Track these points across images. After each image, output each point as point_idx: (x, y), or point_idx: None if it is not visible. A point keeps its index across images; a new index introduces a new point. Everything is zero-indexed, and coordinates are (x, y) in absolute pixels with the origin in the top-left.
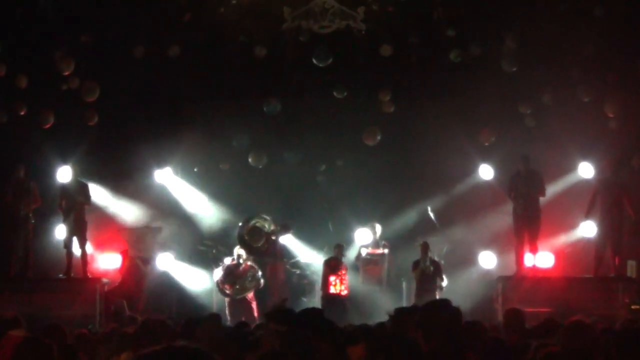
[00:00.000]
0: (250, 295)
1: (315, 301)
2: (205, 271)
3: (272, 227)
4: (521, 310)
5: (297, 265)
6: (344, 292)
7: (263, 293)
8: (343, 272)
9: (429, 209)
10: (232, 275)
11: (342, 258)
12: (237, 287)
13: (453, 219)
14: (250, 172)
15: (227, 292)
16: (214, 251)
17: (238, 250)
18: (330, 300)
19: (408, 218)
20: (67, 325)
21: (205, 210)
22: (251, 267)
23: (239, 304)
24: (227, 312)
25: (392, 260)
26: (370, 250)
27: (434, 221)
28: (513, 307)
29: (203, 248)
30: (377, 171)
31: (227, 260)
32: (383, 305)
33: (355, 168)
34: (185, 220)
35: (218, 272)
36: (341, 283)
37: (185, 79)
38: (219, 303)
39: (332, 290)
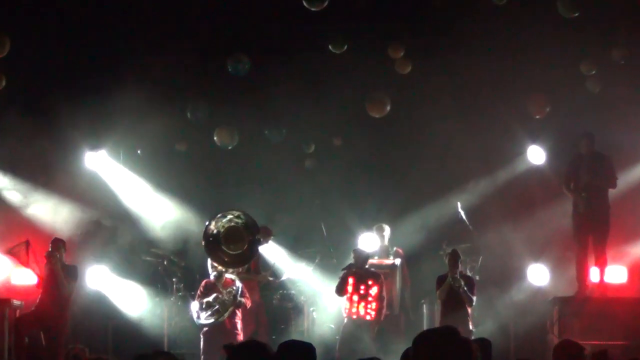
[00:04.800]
0: (232, 321)
1: (302, 331)
2: (151, 290)
3: (245, 218)
4: (578, 345)
5: (279, 282)
6: (366, 314)
7: None
8: (365, 287)
9: (459, 205)
10: (208, 295)
11: (364, 265)
12: (212, 309)
13: (491, 220)
14: (215, 154)
15: (202, 321)
16: (164, 262)
17: (212, 261)
18: (348, 324)
19: (430, 218)
20: None
21: (152, 206)
22: (232, 281)
23: (218, 334)
24: (201, 344)
25: (408, 273)
26: (377, 260)
27: (466, 222)
28: (568, 339)
29: (150, 258)
30: (386, 154)
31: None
32: (396, 334)
33: (358, 149)
34: (125, 221)
35: (195, 300)
36: (364, 303)
37: (125, 29)
38: (172, 335)
39: (347, 313)
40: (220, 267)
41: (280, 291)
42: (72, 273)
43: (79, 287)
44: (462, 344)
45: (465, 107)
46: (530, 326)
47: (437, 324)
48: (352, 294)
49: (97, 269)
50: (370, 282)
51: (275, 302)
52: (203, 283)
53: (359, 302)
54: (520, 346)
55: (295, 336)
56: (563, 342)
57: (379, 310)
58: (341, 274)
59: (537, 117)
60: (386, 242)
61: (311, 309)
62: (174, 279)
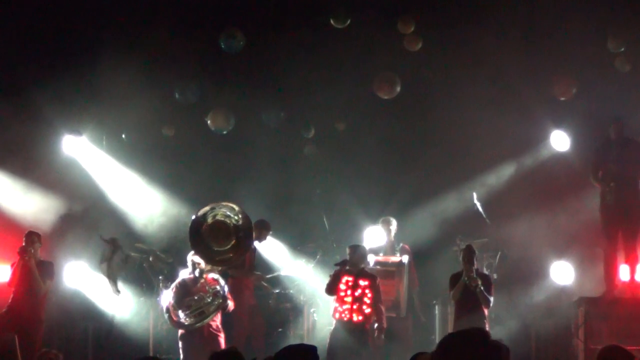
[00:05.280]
0: (215, 323)
1: (301, 334)
2: (136, 289)
3: (241, 221)
4: (625, 350)
5: (275, 281)
6: (358, 318)
7: (223, 323)
8: (359, 289)
9: (475, 196)
10: (188, 294)
11: (359, 264)
12: (194, 311)
13: (511, 212)
14: (207, 140)
15: (182, 321)
16: (150, 259)
17: (192, 257)
18: (338, 330)
19: (443, 210)
20: None
21: (137, 196)
22: (215, 280)
23: (198, 338)
24: (180, 351)
25: (415, 272)
26: (382, 257)
27: (482, 214)
28: (612, 344)
29: (134, 254)
30: (394, 139)
31: (184, 274)
32: (403, 339)
33: (363, 134)
34: (107, 213)
35: (168, 295)
36: (357, 306)
37: (108, 2)
38: (159, 338)
39: (337, 315)
40: (202, 264)
41: (277, 290)
42: (47, 270)
43: (55, 286)
44: (494, 350)
45: (482, 89)
46: (553, 330)
47: (450, 327)
48: (344, 294)
49: (75, 265)
50: (364, 283)
51: (271, 302)
52: (180, 280)
53: (351, 305)
54: (542, 352)
55: (293, 340)
56: (609, 348)
57: (375, 314)
58: (333, 270)
59: (562, 99)
60: (392, 237)
61: (312, 310)
62: (160, 277)
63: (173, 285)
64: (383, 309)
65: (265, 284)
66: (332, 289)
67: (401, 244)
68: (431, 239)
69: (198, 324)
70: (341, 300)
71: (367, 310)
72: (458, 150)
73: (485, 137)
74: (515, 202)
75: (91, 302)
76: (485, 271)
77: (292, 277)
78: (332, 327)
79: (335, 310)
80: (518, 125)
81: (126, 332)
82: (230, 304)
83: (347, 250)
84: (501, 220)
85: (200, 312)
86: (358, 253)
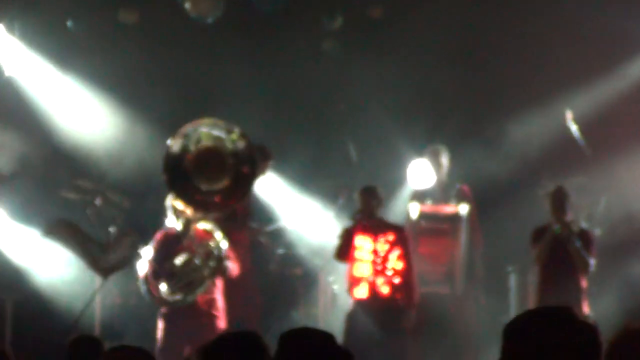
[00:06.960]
0: (209, 297)
1: (315, 313)
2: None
3: (241, 141)
4: None
5: (279, 236)
6: (384, 291)
7: None
8: (385, 244)
9: (569, 116)
10: (170, 256)
11: (376, 214)
12: (180, 280)
13: (620, 140)
14: (183, 30)
15: (165, 297)
16: (96, 202)
17: (173, 201)
18: (357, 312)
19: (519, 137)
20: None
21: (79, 111)
22: (207, 233)
23: (188, 320)
24: (158, 332)
25: (479, 227)
26: (429, 206)
27: (579, 143)
28: None
29: (73, 196)
30: (453, 34)
31: (168, 224)
32: (459, 324)
33: (408, 26)
34: (33, 134)
35: (147, 255)
36: (380, 275)
37: None
38: (108, 316)
39: (353, 292)
40: (187, 211)
41: (281, 251)
42: None
43: None
44: (584, 333)
45: None
46: None
47: (531, 304)
48: (360, 259)
49: None
50: (388, 239)
51: (273, 267)
52: (160, 236)
53: (373, 273)
54: None
55: (305, 322)
56: None
57: (405, 286)
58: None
59: None
60: (444, 175)
61: (330, 278)
62: (111, 229)
63: (153, 241)
64: (414, 274)
65: (263, 239)
66: (342, 252)
67: (457, 186)
68: (503, 179)
69: (191, 297)
70: (357, 269)
71: (397, 279)
72: (543, 52)
73: (582, 35)
74: (626, 126)
75: (12, 266)
76: (584, 224)
77: (302, 233)
78: (349, 308)
79: (350, 283)
80: (630, 19)
81: (60, 307)
82: (231, 266)
83: (358, 197)
84: (607, 151)
85: (188, 283)
86: (374, 198)
